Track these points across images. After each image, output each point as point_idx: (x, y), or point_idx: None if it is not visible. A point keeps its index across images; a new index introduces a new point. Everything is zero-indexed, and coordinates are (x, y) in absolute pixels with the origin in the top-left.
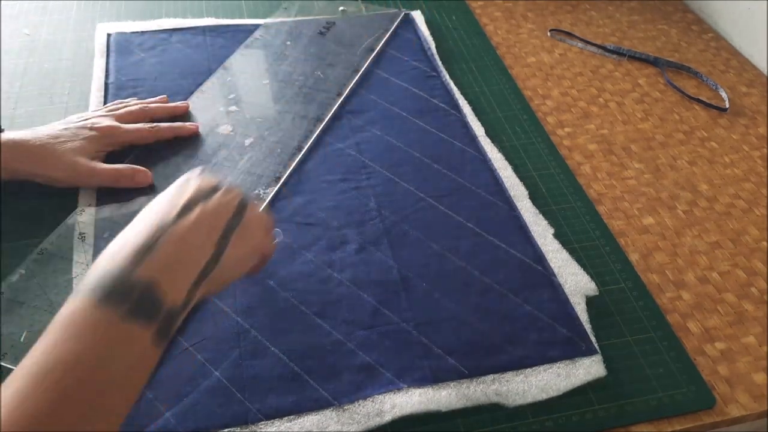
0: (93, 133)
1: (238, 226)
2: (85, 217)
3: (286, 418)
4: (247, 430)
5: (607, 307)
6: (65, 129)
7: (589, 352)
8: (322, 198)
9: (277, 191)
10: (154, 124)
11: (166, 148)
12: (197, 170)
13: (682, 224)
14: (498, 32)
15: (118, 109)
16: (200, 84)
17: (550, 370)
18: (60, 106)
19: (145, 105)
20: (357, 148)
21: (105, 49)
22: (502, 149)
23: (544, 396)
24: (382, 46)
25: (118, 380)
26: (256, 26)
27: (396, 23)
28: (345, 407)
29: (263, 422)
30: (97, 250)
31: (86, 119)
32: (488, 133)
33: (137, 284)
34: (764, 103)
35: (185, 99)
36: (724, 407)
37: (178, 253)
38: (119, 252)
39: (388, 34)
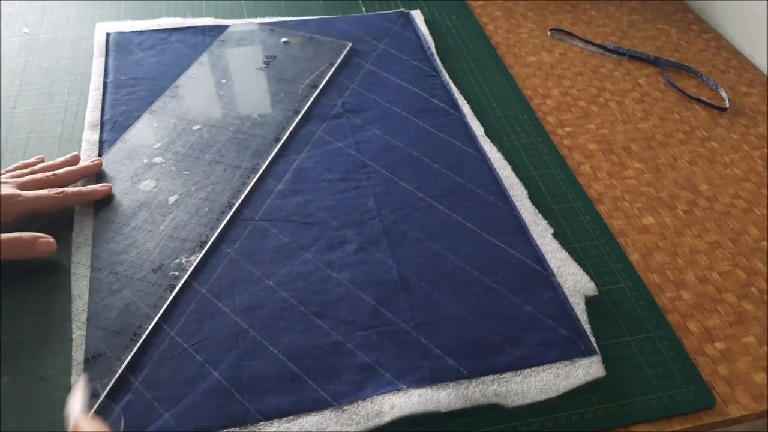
0: None
1: None
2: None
3: (285, 418)
4: (247, 430)
5: (607, 307)
6: None
7: (589, 352)
8: (322, 197)
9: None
10: (61, 189)
11: (81, 211)
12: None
13: (682, 224)
14: (498, 32)
15: (22, 174)
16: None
17: (550, 371)
18: (59, 105)
19: (52, 172)
20: (356, 148)
21: (104, 48)
22: (501, 149)
23: (543, 396)
24: (327, 81)
25: None
26: (258, 26)
27: (342, 55)
28: (344, 408)
29: (262, 423)
30: (96, 253)
31: None
32: (488, 133)
33: None
34: (764, 103)
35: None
36: (724, 407)
37: None
38: None
39: (333, 68)
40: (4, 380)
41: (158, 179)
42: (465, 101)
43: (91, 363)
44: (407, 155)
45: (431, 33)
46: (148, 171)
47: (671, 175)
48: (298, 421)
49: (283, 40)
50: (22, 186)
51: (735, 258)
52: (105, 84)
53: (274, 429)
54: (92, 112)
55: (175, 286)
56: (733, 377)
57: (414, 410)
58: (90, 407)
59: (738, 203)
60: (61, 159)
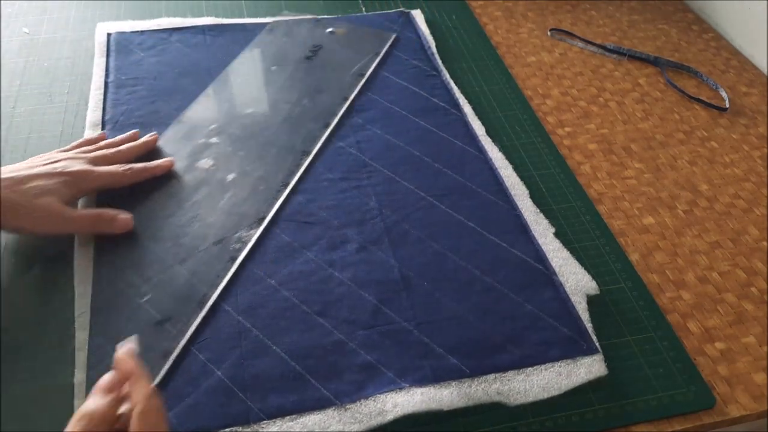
0: (65, 177)
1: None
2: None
3: (288, 417)
4: (249, 429)
5: (606, 307)
6: (32, 173)
7: (591, 351)
8: (323, 197)
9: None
10: (128, 165)
11: (143, 186)
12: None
13: (682, 224)
14: (498, 32)
15: (90, 150)
16: (200, 84)
17: (552, 369)
18: (60, 105)
19: (117, 149)
20: (357, 147)
21: (105, 48)
22: (502, 148)
23: (545, 395)
24: (374, 69)
25: None
26: (256, 26)
27: (387, 45)
28: (347, 407)
29: (265, 422)
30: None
31: (55, 161)
32: (488, 133)
33: None
34: (764, 103)
35: (184, 99)
36: (724, 407)
37: None
38: None
39: (379, 58)
40: (4, 381)
41: (216, 158)
42: (465, 101)
43: (162, 325)
44: (408, 154)
45: (431, 33)
46: (206, 150)
47: (671, 175)
48: (301, 420)
49: (329, 30)
50: (93, 161)
51: (735, 258)
52: (106, 84)
53: (276, 428)
54: (93, 112)
55: (236, 258)
56: (733, 377)
57: (417, 409)
58: (161, 367)
59: (738, 203)
60: (123, 136)
